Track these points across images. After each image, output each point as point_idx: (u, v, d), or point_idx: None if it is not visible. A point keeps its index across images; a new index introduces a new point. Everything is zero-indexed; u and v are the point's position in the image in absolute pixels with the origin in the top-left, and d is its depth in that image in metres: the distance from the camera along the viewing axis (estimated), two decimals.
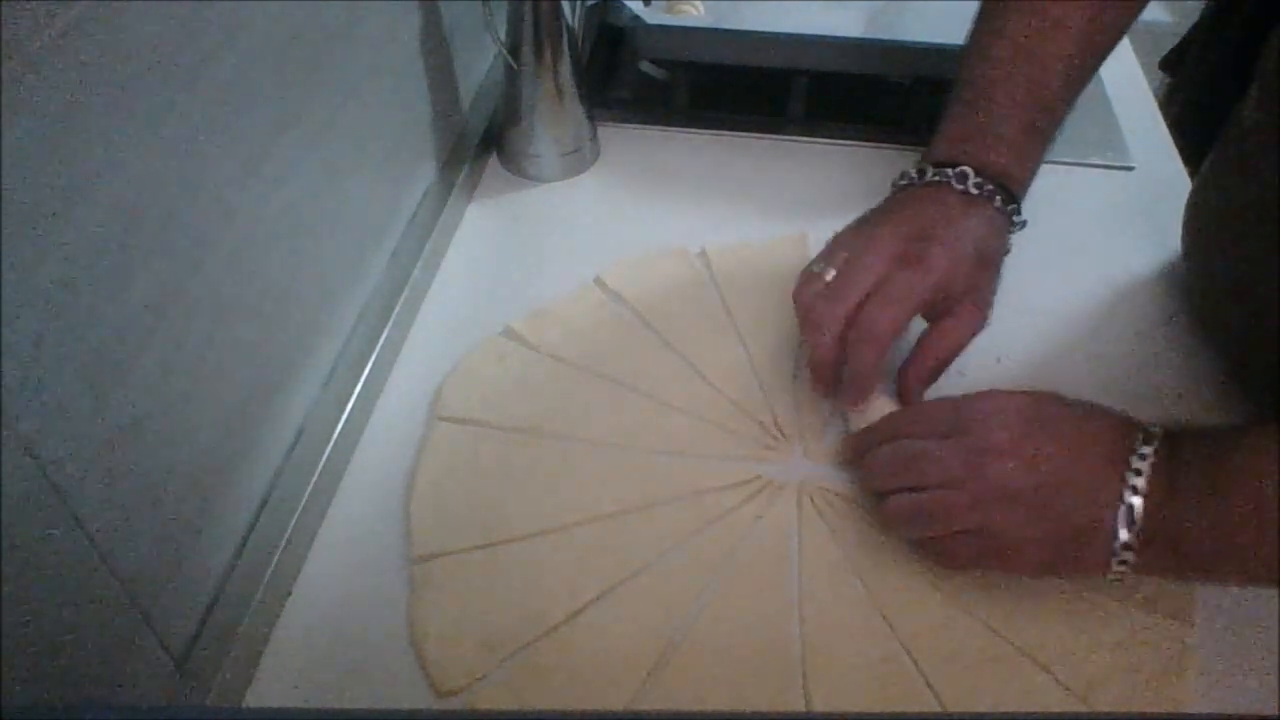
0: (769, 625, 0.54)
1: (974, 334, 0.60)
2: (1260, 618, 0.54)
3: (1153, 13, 0.68)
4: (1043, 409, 0.52)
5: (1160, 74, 1.06)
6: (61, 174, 0.37)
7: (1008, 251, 0.64)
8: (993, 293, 0.62)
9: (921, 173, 0.63)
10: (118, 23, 0.39)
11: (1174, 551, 0.47)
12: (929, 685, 0.52)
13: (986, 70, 0.63)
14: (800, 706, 0.51)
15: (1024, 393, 0.53)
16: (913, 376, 0.60)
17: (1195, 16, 1.04)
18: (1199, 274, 0.70)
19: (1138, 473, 0.47)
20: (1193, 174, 0.85)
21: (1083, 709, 0.51)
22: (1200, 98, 0.97)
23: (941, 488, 0.51)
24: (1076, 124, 0.73)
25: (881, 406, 0.60)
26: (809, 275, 0.61)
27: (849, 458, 0.60)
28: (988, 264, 0.61)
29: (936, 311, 0.60)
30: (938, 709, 0.51)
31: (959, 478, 0.51)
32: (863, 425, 0.60)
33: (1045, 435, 0.50)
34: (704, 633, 0.54)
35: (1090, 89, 0.68)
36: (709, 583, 0.56)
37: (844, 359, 0.58)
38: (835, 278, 0.59)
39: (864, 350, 0.57)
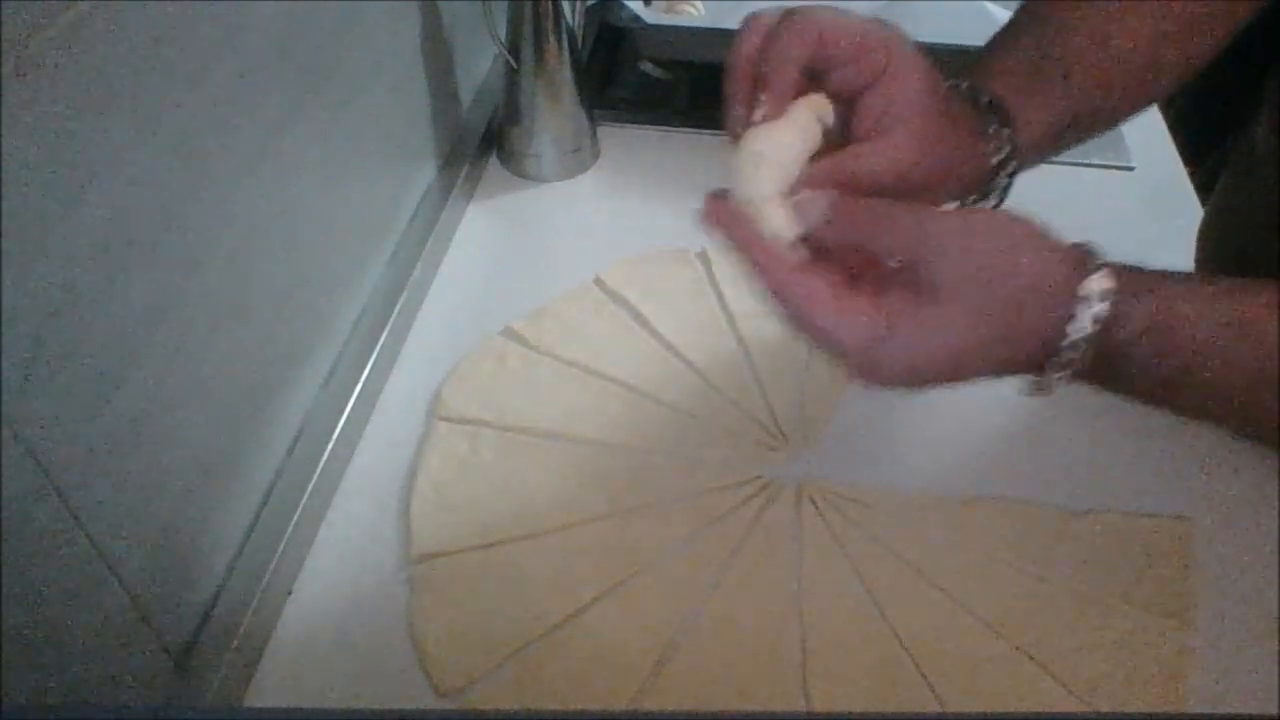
0: (769, 625, 0.54)
1: (892, 169, 0.44)
2: (1260, 618, 0.54)
3: None
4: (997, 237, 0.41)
5: None
6: (61, 174, 0.37)
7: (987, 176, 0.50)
8: (941, 182, 0.47)
9: None
10: (118, 23, 0.39)
11: (1125, 358, 0.40)
12: (929, 685, 0.52)
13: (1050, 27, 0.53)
14: (800, 706, 0.51)
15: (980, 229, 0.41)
16: (810, 180, 0.44)
17: None
18: None
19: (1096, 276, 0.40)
20: (1193, 174, 0.85)
21: (1083, 709, 0.51)
22: (1201, 98, 0.97)
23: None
24: None
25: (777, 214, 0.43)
26: None
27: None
28: (936, 121, 0.46)
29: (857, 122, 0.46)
30: (938, 709, 0.51)
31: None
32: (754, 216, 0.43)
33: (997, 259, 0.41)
34: (704, 632, 0.54)
35: None
36: (709, 583, 0.56)
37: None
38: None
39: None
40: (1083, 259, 0.40)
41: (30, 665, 0.38)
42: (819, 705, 0.51)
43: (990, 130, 0.49)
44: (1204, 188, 0.80)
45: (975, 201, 0.51)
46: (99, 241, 0.39)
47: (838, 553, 0.57)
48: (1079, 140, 0.54)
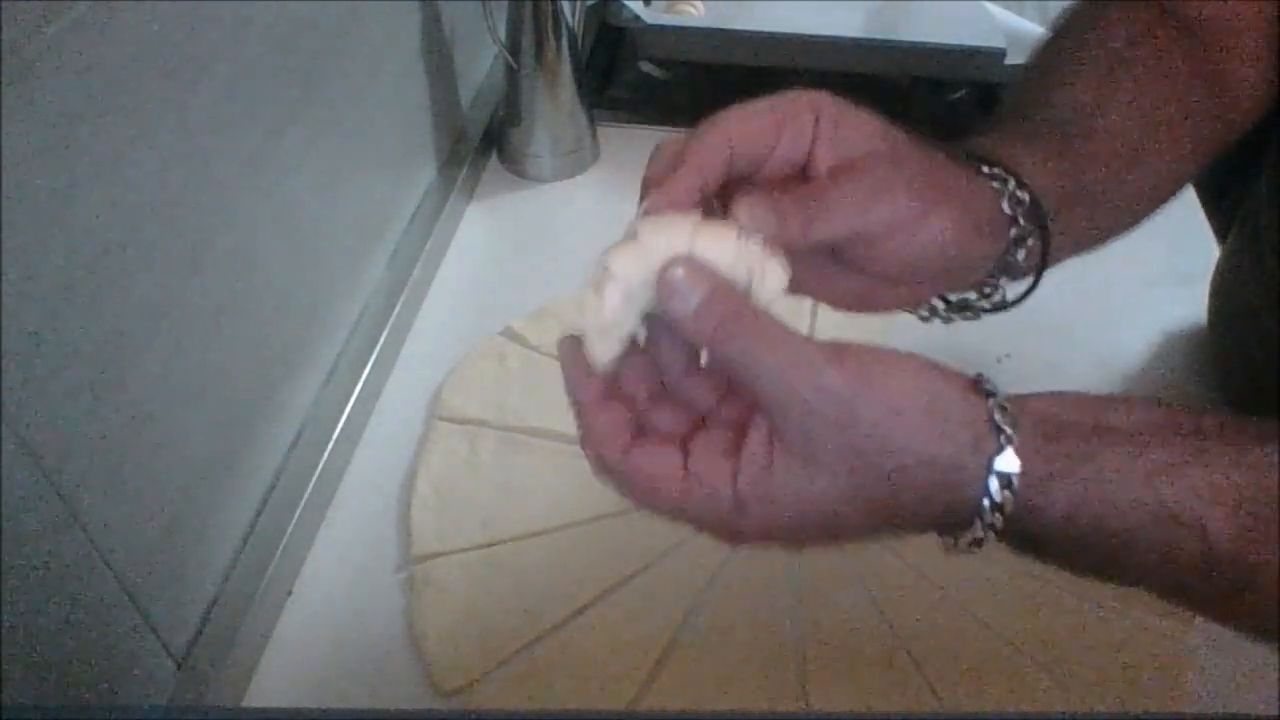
0: (768, 625, 0.54)
1: (847, 220, 0.37)
2: None
3: None
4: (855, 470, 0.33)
5: None
6: (62, 174, 0.37)
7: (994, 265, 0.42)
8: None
9: None
10: (118, 23, 0.39)
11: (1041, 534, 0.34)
12: (929, 685, 0.52)
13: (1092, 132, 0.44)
14: (800, 706, 0.51)
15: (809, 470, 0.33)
16: (752, 200, 0.35)
17: None
18: (1222, 346, 0.69)
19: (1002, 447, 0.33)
20: (1210, 215, 0.84)
21: (1083, 709, 0.51)
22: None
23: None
24: None
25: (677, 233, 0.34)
26: None
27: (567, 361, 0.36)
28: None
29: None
30: (938, 709, 0.51)
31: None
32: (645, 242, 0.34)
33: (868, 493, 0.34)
34: (704, 633, 0.54)
35: None
36: (709, 583, 0.56)
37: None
38: None
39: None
40: (984, 433, 0.33)
41: (30, 665, 0.38)
42: (818, 705, 0.51)
43: (990, 181, 0.40)
44: (1220, 232, 0.80)
45: (997, 280, 0.43)
46: (99, 241, 0.39)
47: (837, 552, 0.57)
48: (1100, 219, 0.46)
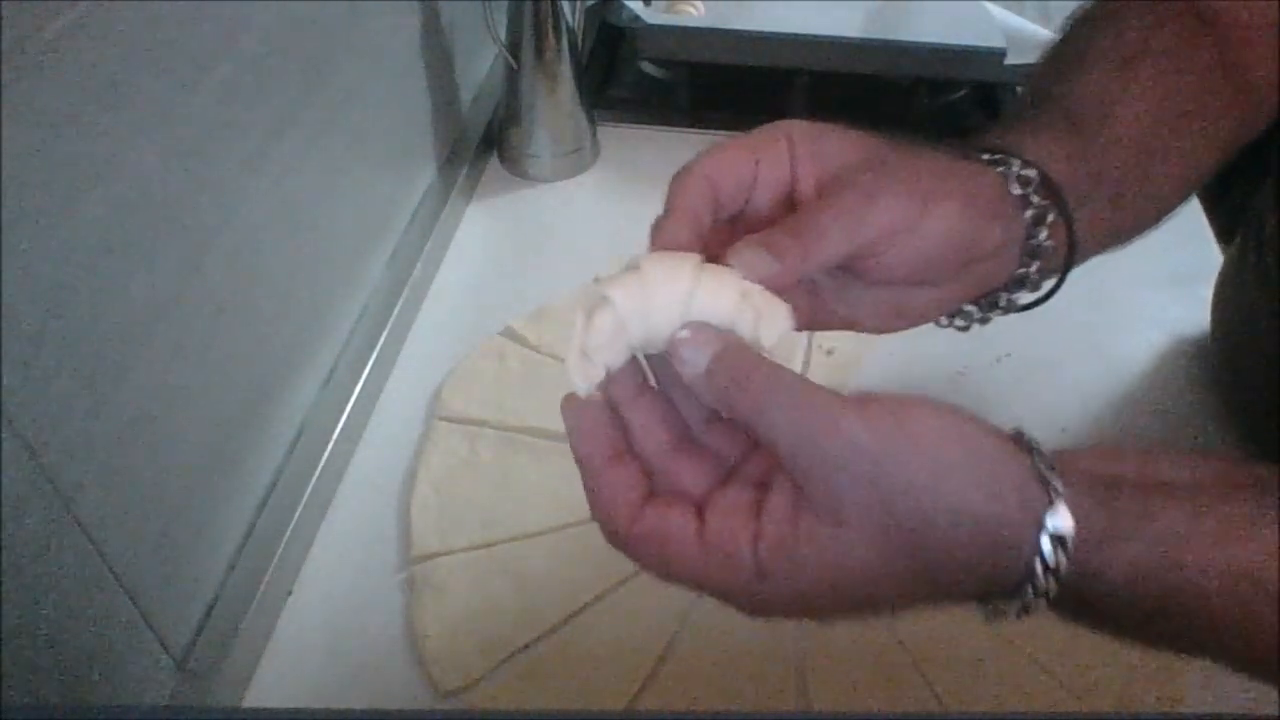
0: (769, 625, 0.54)
1: (846, 235, 0.35)
2: None
3: None
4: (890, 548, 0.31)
5: None
6: (61, 174, 0.37)
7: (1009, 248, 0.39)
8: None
9: None
10: (118, 23, 0.39)
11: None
12: (929, 685, 0.52)
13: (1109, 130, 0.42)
14: (800, 706, 0.51)
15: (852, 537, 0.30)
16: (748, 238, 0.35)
17: None
18: (1225, 351, 0.69)
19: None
20: (1212, 220, 0.84)
21: (1083, 709, 0.51)
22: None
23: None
24: None
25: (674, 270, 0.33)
26: None
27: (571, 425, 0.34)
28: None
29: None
30: (938, 709, 0.51)
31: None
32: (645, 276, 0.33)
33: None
34: (704, 633, 0.54)
35: None
36: None
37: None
38: None
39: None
40: (1032, 489, 0.30)
41: (30, 665, 0.38)
42: (818, 705, 0.51)
43: (992, 167, 0.39)
44: (1222, 236, 0.79)
45: (1029, 269, 0.40)
46: (99, 241, 0.39)
47: None
48: (1125, 209, 0.43)
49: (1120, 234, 0.45)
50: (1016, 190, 0.38)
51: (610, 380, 0.34)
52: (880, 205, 0.35)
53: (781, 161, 0.37)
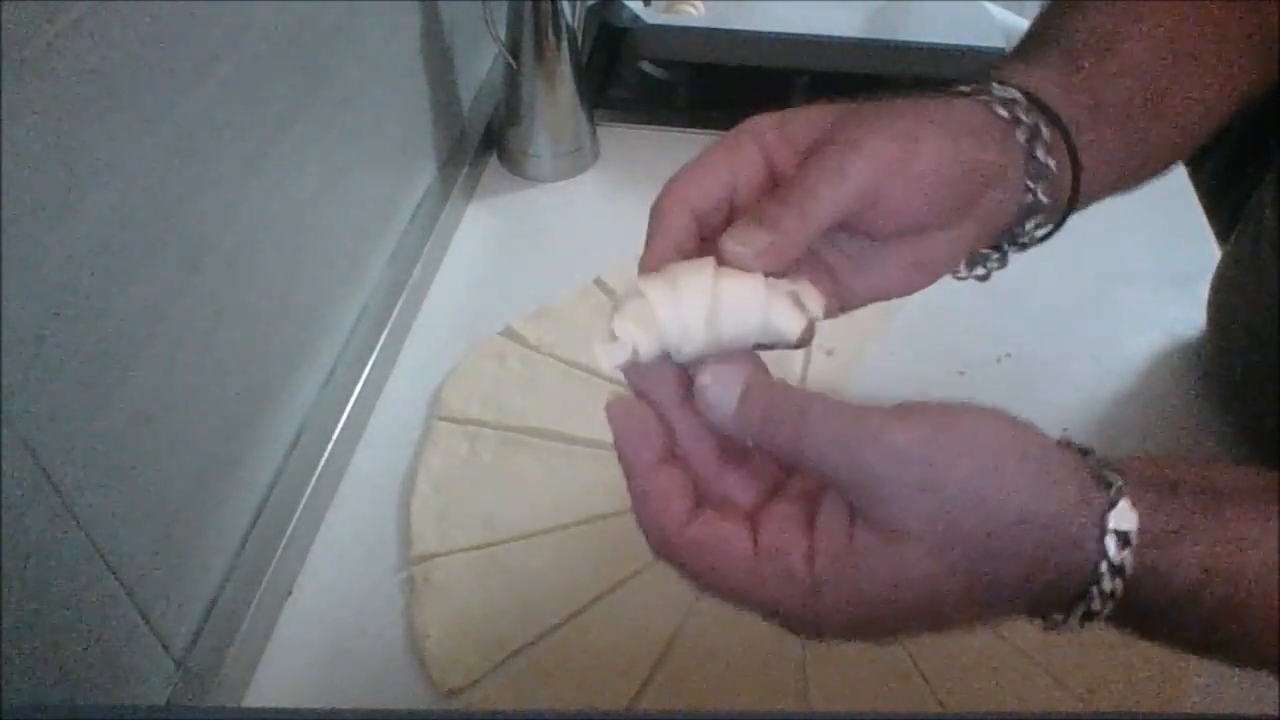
0: (769, 625, 0.54)
1: (846, 195, 0.34)
2: None
3: None
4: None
5: None
6: (61, 174, 0.37)
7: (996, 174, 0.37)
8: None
9: None
10: (118, 23, 0.39)
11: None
12: (929, 685, 0.52)
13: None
14: (800, 706, 0.51)
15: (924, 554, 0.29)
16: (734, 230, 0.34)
17: None
18: (1221, 349, 0.69)
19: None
20: (1193, 174, 0.85)
21: (1083, 709, 0.51)
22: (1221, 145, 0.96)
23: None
24: None
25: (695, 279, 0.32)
26: None
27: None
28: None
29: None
30: (938, 709, 0.51)
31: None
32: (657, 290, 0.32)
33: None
34: (704, 633, 0.54)
35: None
36: None
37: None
38: None
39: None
40: (1090, 486, 0.29)
41: (30, 665, 0.38)
42: (819, 705, 0.51)
43: (975, 96, 0.38)
44: (1220, 234, 0.79)
45: (1039, 195, 0.38)
46: (99, 241, 0.39)
47: None
48: (1133, 144, 0.42)
49: (1130, 169, 0.43)
50: (1002, 112, 0.37)
51: (653, 384, 0.33)
52: (865, 150, 0.34)
53: (754, 159, 0.36)
